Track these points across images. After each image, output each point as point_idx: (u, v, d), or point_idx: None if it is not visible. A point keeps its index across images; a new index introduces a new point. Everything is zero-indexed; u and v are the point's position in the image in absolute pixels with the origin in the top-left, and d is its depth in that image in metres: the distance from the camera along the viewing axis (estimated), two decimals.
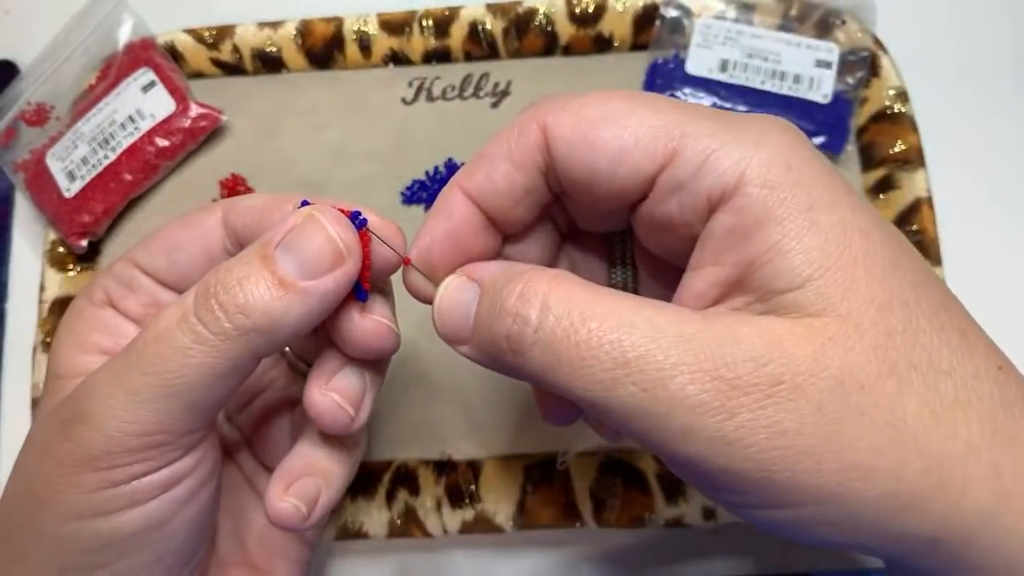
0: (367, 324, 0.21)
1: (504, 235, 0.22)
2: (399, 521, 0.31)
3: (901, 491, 0.16)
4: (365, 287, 0.21)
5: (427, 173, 0.37)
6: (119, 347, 0.21)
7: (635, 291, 0.24)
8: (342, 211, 0.20)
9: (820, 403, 0.16)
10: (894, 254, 0.17)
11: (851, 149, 0.35)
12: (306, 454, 0.23)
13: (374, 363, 0.23)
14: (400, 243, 0.21)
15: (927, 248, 0.33)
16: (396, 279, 0.22)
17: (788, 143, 0.18)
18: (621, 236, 0.24)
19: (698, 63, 0.36)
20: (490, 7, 0.37)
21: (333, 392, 0.21)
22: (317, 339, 0.23)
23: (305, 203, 0.21)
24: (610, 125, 0.18)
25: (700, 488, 0.19)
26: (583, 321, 0.17)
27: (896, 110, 0.35)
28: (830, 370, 0.16)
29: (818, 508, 0.16)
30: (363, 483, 0.32)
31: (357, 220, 0.20)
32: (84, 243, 0.36)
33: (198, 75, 0.39)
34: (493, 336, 0.18)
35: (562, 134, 0.19)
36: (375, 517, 0.32)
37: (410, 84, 0.38)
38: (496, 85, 0.38)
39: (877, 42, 0.36)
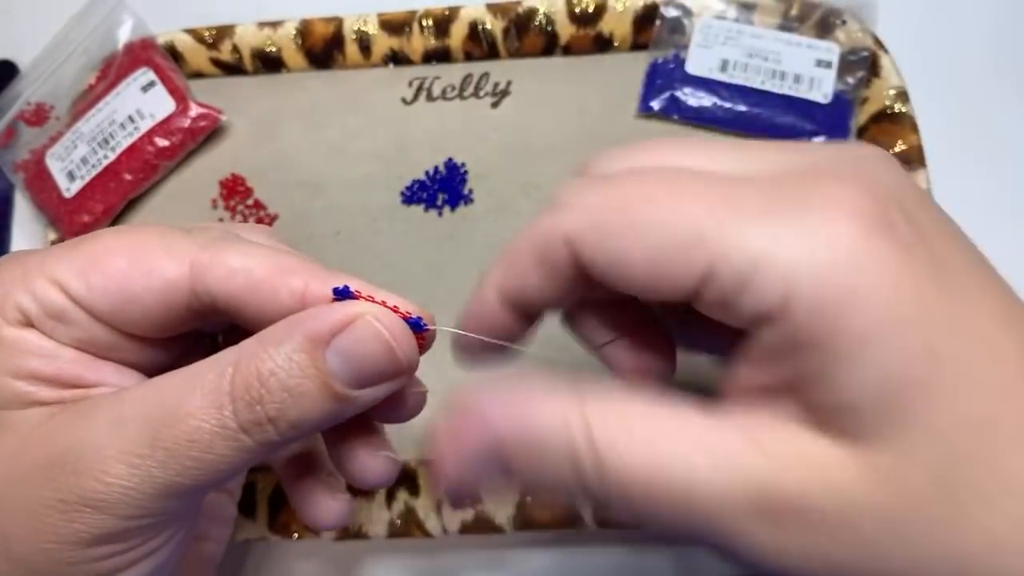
0: (412, 401, 0.21)
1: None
2: (399, 521, 0.31)
3: None
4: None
5: (427, 173, 0.37)
6: (62, 374, 0.20)
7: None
8: (395, 310, 0.19)
9: (863, 534, 0.15)
10: (971, 370, 0.15)
11: None
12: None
13: None
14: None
15: None
16: None
17: (851, 240, 0.15)
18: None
19: (698, 63, 0.36)
20: (490, 7, 0.37)
21: (384, 451, 0.21)
22: None
23: (341, 291, 0.19)
24: (638, 240, 0.17)
25: None
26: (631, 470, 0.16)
27: (896, 110, 0.35)
28: (877, 502, 0.15)
29: None
30: None
31: (418, 326, 0.19)
32: None
33: (198, 75, 0.39)
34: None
35: (592, 257, 0.17)
36: (375, 517, 0.31)
37: (410, 84, 0.38)
38: (496, 85, 0.38)
39: (877, 42, 0.36)
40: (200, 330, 0.22)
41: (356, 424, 0.21)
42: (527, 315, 0.20)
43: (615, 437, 0.16)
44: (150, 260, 0.20)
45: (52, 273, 0.19)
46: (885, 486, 0.15)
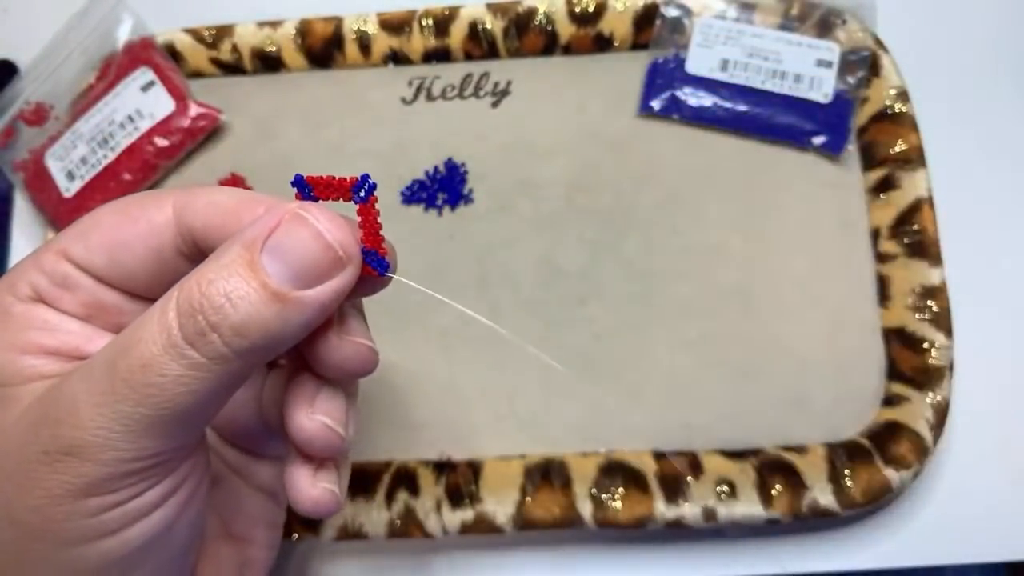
0: (347, 348, 0.20)
1: None
2: (399, 522, 0.31)
3: None
4: (383, 255, 0.19)
5: (427, 173, 0.37)
6: (65, 346, 0.20)
7: None
8: (343, 180, 0.19)
9: None
10: None
11: (852, 149, 0.35)
12: None
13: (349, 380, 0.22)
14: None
15: (927, 248, 0.33)
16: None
17: None
18: None
19: (698, 63, 0.36)
20: (490, 6, 0.37)
21: (321, 415, 0.20)
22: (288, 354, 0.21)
23: (299, 179, 0.19)
24: None
25: None
26: None
27: (897, 110, 0.35)
28: None
29: None
30: (362, 483, 0.32)
31: (364, 187, 0.19)
32: None
33: (197, 75, 0.39)
34: None
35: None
36: (375, 518, 0.31)
37: (410, 84, 0.38)
38: (496, 85, 0.38)
39: (878, 42, 0.36)
40: None
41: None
42: None
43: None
44: (138, 210, 0.21)
45: (57, 244, 0.21)
46: None
